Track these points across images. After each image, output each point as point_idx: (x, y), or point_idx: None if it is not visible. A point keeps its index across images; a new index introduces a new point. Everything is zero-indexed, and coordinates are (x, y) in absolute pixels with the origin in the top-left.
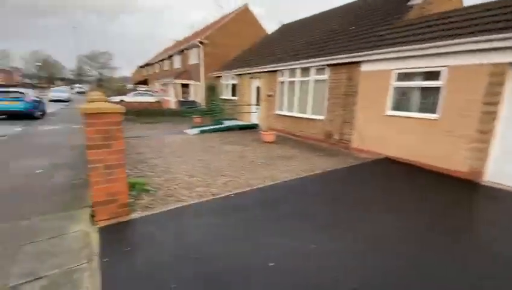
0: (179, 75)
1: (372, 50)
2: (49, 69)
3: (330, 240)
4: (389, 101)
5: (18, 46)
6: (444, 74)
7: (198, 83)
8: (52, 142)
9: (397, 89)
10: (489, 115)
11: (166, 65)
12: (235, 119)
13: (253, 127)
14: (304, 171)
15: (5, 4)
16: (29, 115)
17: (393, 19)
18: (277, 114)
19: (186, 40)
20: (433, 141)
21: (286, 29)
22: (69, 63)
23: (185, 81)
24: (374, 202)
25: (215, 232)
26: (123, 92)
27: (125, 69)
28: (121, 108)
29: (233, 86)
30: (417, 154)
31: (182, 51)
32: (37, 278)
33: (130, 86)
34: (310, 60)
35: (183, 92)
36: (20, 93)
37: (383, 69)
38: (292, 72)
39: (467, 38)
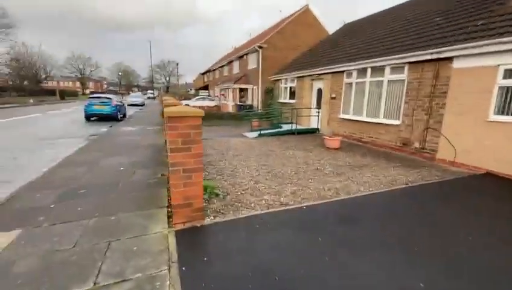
0: (237, 80)
1: (471, 42)
2: (128, 77)
3: (443, 278)
4: (493, 103)
5: (104, 58)
6: None
7: (255, 87)
8: (131, 142)
9: (505, 88)
10: None
11: (225, 71)
12: (292, 123)
13: (312, 132)
14: (382, 185)
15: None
16: (114, 117)
17: (495, 5)
18: (341, 118)
19: (245, 46)
20: None
21: (350, 28)
22: (142, 72)
23: (243, 86)
24: (484, 228)
25: (292, 249)
26: (187, 96)
27: (188, 76)
28: (200, 112)
29: (291, 89)
30: None
31: (241, 56)
32: (124, 280)
33: (192, 91)
34: (384, 58)
35: (241, 96)
36: (108, 98)
37: (485, 65)
38: (362, 72)
39: None
